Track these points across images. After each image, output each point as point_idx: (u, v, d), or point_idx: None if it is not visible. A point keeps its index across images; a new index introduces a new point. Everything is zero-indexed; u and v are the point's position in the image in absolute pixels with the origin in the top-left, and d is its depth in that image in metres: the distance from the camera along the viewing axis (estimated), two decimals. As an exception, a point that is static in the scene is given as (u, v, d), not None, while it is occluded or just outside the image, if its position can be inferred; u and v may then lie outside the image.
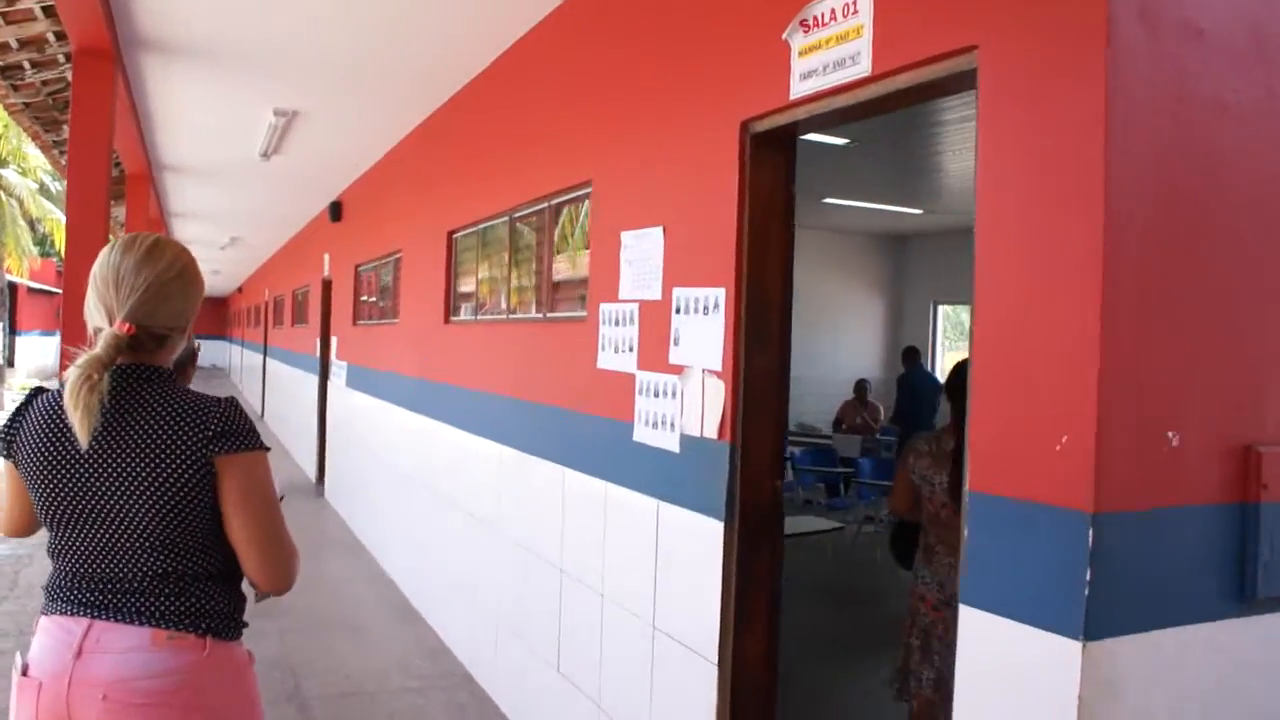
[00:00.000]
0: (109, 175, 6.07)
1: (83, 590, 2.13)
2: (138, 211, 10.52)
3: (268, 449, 2.24)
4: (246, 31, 5.68)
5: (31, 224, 26.59)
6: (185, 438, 2.08)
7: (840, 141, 7.99)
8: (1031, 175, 2.26)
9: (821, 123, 3.11)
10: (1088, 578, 2.08)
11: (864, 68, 2.76)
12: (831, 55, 2.89)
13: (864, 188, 10.69)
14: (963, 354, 12.76)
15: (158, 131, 8.53)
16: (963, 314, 14.29)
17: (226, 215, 14.37)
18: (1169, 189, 2.22)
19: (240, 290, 30.71)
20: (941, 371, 14.14)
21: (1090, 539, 2.08)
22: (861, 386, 12.25)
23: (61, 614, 2.13)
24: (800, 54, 3.03)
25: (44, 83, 7.06)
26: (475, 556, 5.91)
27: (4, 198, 24.80)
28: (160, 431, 2.08)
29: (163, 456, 2.07)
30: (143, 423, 2.08)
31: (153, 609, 2.10)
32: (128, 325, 2.11)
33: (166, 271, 2.20)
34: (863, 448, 10.98)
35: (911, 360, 11.85)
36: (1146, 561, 2.19)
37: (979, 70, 2.40)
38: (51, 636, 2.12)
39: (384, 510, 8.45)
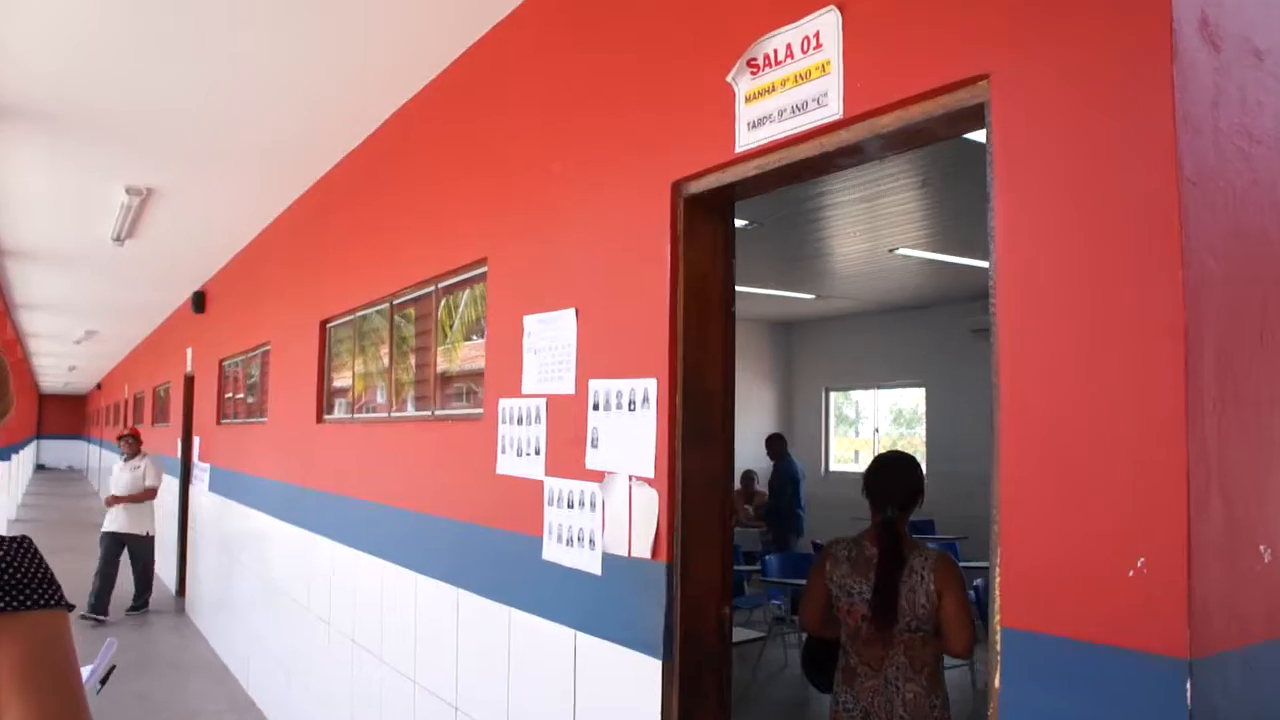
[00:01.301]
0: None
1: None
2: (-26, 305, 9.49)
3: (69, 608, 1.54)
4: (92, 96, 4.96)
5: None
6: None
7: (740, 223, 7.60)
8: (1078, 229, 1.76)
9: (775, 180, 2.59)
10: (1189, 747, 1.55)
11: (833, 110, 2.27)
12: (789, 98, 2.39)
13: (754, 273, 10.36)
14: (856, 442, 12.32)
15: (-5, 213, 7.63)
16: (850, 401, 14.05)
17: (80, 306, 13.27)
18: (1245, 244, 1.75)
19: (99, 387, 28.94)
20: (832, 460, 13.84)
21: (1189, 694, 1.55)
22: (749, 477, 11.71)
23: None
24: (748, 99, 2.53)
25: None
26: (355, 687, 5.12)
27: None
28: None
29: None
30: None
31: None
32: None
33: None
34: (763, 541, 10.44)
35: (779, 448, 11.31)
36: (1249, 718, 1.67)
37: (991, 104, 1.92)
38: None
39: (252, 630, 7.52)
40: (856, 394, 13.85)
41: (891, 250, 8.69)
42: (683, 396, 2.77)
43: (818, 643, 3.57)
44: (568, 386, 3.25)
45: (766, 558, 8.43)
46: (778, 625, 8.28)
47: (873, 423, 13.61)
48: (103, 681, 1.81)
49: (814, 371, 13.51)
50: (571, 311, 3.27)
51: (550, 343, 3.38)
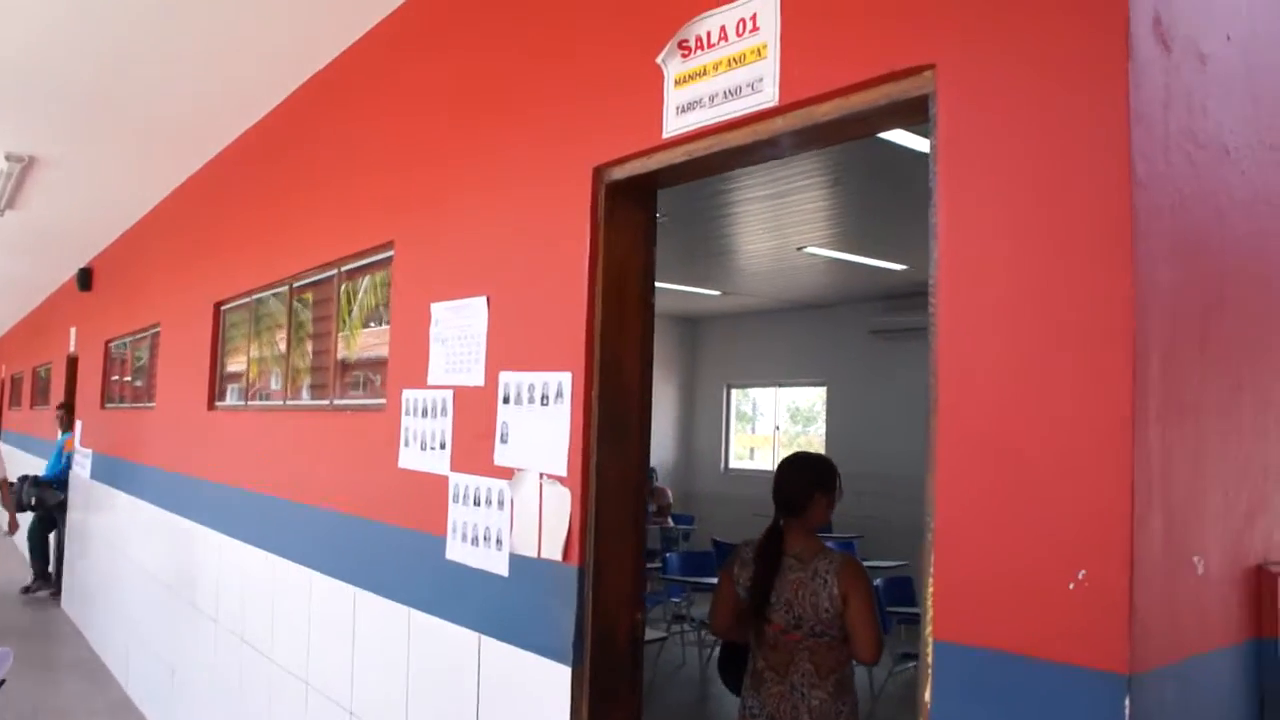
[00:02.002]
0: None
1: None
2: None
3: None
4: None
5: None
6: None
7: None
8: (1024, 229, 1.69)
9: (704, 168, 2.48)
10: (1127, 763, 1.49)
11: (768, 96, 2.17)
12: (722, 83, 2.28)
13: (659, 267, 10.27)
14: (753, 439, 12.35)
15: None
16: (748, 398, 14.09)
17: (-47, 282, 12.56)
18: (1188, 250, 1.70)
19: (-25, 367, 27.55)
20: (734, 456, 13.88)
21: (1128, 710, 1.50)
22: (650, 473, 11.66)
23: None
24: (677, 82, 2.41)
25: None
26: (243, 688, 4.87)
27: None
28: None
29: None
30: None
31: None
32: None
33: None
34: (663, 539, 10.39)
35: None
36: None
37: (936, 96, 1.84)
38: None
39: (133, 625, 7.15)
40: (754, 391, 13.88)
41: (800, 249, 8.69)
42: (599, 391, 2.65)
43: (733, 648, 3.47)
44: (477, 378, 3.10)
45: (667, 555, 8.36)
46: (676, 624, 8.21)
47: (771, 420, 13.67)
48: None
49: (717, 368, 13.50)
50: (483, 300, 3.11)
51: (459, 332, 3.22)
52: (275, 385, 5.19)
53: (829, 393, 12.27)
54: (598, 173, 2.69)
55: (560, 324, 2.75)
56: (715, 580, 8.12)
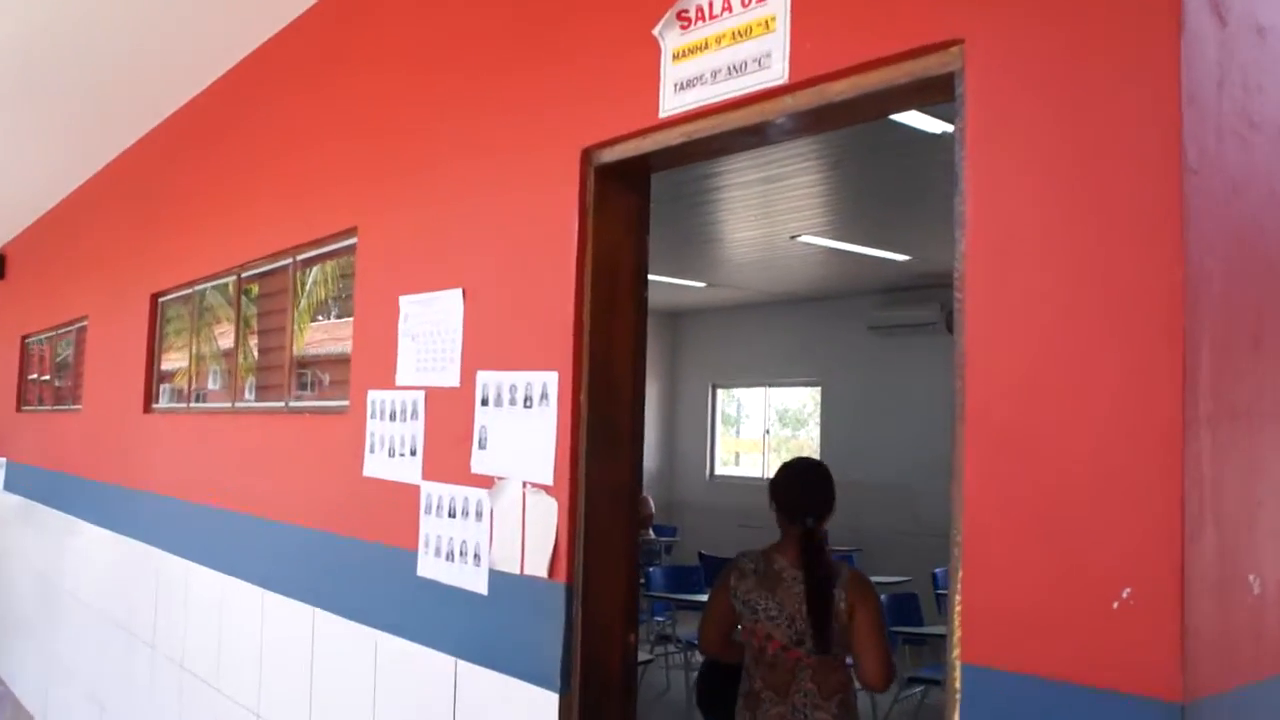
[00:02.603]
0: None
1: None
2: None
3: None
4: None
5: None
6: None
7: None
8: (1063, 217, 1.71)
9: (703, 150, 2.50)
10: (1177, 804, 1.51)
11: (777, 73, 2.18)
12: (725, 58, 2.30)
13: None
14: (739, 443, 12.32)
15: None
16: (732, 399, 14.13)
17: None
18: (1241, 241, 1.73)
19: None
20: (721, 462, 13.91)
21: (1182, 744, 1.52)
22: (634, 483, 11.69)
23: None
24: (676, 57, 2.42)
25: None
26: (181, 720, 4.86)
27: None
28: None
29: None
30: None
31: None
32: None
33: None
34: (644, 552, 10.39)
35: None
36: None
37: (965, 73, 1.86)
38: None
39: (54, 656, 7.09)
40: (740, 392, 13.92)
41: (793, 237, 8.72)
42: (588, 393, 2.66)
43: (716, 671, 3.52)
44: (452, 378, 3.10)
45: (650, 570, 8.38)
46: (660, 645, 8.24)
47: (758, 422, 13.72)
48: None
49: (701, 367, 13.51)
50: (458, 292, 3.12)
51: (431, 327, 3.22)
52: (215, 385, 5.17)
53: (824, 393, 12.32)
54: (586, 155, 2.70)
55: (545, 319, 2.75)
56: (703, 598, 8.16)
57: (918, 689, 7.44)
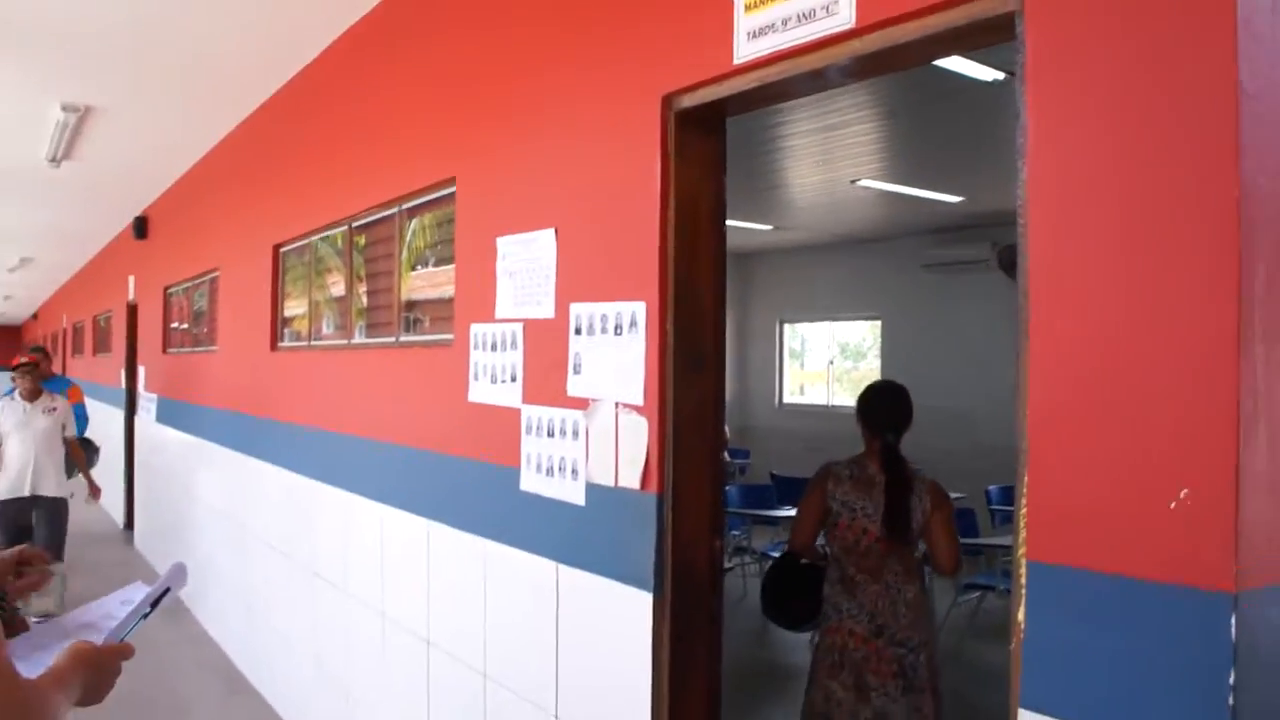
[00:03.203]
0: None
1: None
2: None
3: None
4: (22, 5, 4.64)
5: None
6: None
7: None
8: (1120, 143, 1.65)
9: (776, 94, 2.46)
10: (1231, 681, 1.49)
11: (844, 19, 2.13)
12: (795, 5, 2.24)
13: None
14: (803, 375, 12.26)
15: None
16: (798, 334, 14.02)
17: (15, 233, 12.72)
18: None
19: (35, 317, 28.08)
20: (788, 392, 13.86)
21: (1234, 628, 1.49)
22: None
23: None
24: (748, 7, 2.37)
25: None
26: (317, 620, 5.00)
27: None
28: None
29: None
30: None
31: None
32: None
33: None
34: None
35: None
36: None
37: (1024, 13, 1.79)
38: None
39: (207, 563, 7.35)
40: (803, 327, 13.81)
41: (853, 181, 8.57)
42: (674, 320, 2.65)
43: (784, 570, 3.82)
44: (547, 310, 3.11)
45: (726, 489, 8.40)
46: (737, 555, 8.29)
47: (822, 355, 13.63)
48: (154, 605, 1.67)
49: (769, 303, 13.41)
50: (550, 232, 3.12)
51: (527, 265, 3.23)
52: (329, 330, 5.25)
53: (883, 327, 12.18)
54: (667, 101, 2.67)
55: (633, 254, 2.74)
56: (774, 513, 8.15)
57: (974, 594, 7.41)
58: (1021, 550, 1.79)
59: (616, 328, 2.79)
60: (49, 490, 6.75)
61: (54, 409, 6.97)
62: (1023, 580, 1.78)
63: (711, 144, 2.72)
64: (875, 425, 3.58)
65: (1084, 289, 1.70)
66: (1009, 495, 8.51)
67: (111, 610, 1.72)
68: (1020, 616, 1.78)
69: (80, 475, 7.28)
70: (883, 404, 3.65)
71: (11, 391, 6.99)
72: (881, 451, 3.54)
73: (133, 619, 1.65)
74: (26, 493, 6.70)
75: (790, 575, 3.77)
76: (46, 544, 6.49)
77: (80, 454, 7.26)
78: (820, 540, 3.70)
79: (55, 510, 6.87)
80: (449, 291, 3.90)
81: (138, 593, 1.74)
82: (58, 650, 1.51)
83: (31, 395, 6.89)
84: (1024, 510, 1.79)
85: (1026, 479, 1.78)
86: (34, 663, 1.47)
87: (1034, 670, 1.76)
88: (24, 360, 7.00)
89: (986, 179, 8.42)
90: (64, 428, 7.01)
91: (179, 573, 1.71)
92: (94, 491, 7.45)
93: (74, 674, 1.49)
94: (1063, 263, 1.74)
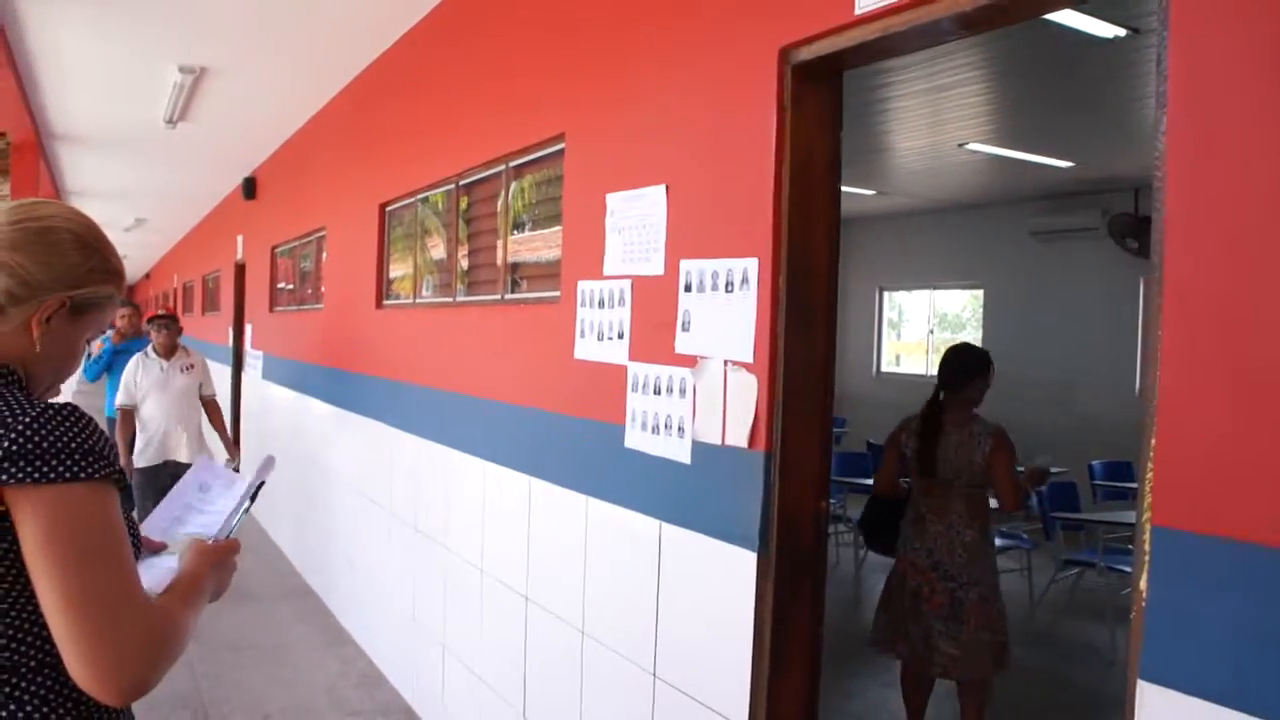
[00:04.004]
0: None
1: None
2: (26, 188, 9.34)
3: (116, 480, 1.41)
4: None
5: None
6: None
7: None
8: (1268, 99, 1.57)
9: (898, 45, 2.40)
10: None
11: (975, -38, 2.06)
12: (922, -50, 2.18)
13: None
14: (899, 345, 12.05)
15: (44, 92, 7.47)
16: (896, 304, 13.78)
17: (130, 193, 13.17)
18: None
19: (148, 277, 29.12)
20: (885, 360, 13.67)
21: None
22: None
23: None
24: (873, -47, 2.32)
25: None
26: (414, 573, 5.11)
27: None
28: None
29: None
30: None
31: None
32: None
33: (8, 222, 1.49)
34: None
35: None
36: None
37: (1174, -52, 1.71)
38: None
39: (307, 515, 7.57)
40: (900, 297, 13.57)
41: (961, 145, 8.36)
42: (786, 277, 2.61)
43: (876, 510, 4.54)
44: (656, 267, 3.11)
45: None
46: (832, 524, 8.22)
47: (920, 325, 13.40)
48: (252, 499, 1.75)
49: (868, 271, 13.18)
50: (661, 188, 3.10)
51: (636, 222, 3.22)
52: (429, 292, 5.31)
53: (985, 295, 11.90)
54: (784, 54, 2.62)
55: (745, 210, 2.71)
56: (870, 481, 8.09)
57: (1073, 570, 7.24)
58: (1147, 515, 1.73)
59: (728, 284, 2.76)
60: (183, 457, 6.55)
61: (191, 365, 6.83)
62: (1146, 547, 1.73)
63: (828, 98, 2.67)
64: (941, 378, 4.29)
65: (1225, 245, 1.63)
66: (1113, 470, 8.27)
67: (190, 496, 1.80)
68: (1143, 585, 1.73)
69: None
70: (942, 363, 4.32)
71: (145, 345, 6.90)
72: (932, 403, 4.25)
73: (236, 514, 1.72)
74: (164, 459, 6.58)
75: (878, 510, 4.51)
76: None
77: (219, 415, 7.17)
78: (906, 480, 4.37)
79: None
80: (547, 255, 3.91)
81: (216, 476, 1.82)
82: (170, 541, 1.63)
83: (168, 351, 6.73)
84: (1150, 473, 1.73)
85: (1154, 444, 1.72)
86: (153, 568, 1.55)
87: (1156, 641, 1.71)
88: (162, 312, 6.85)
89: (1099, 143, 8.13)
90: (200, 386, 6.87)
91: (269, 464, 1.79)
92: (232, 453, 7.33)
93: (206, 578, 1.58)
94: (1201, 219, 1.66)
